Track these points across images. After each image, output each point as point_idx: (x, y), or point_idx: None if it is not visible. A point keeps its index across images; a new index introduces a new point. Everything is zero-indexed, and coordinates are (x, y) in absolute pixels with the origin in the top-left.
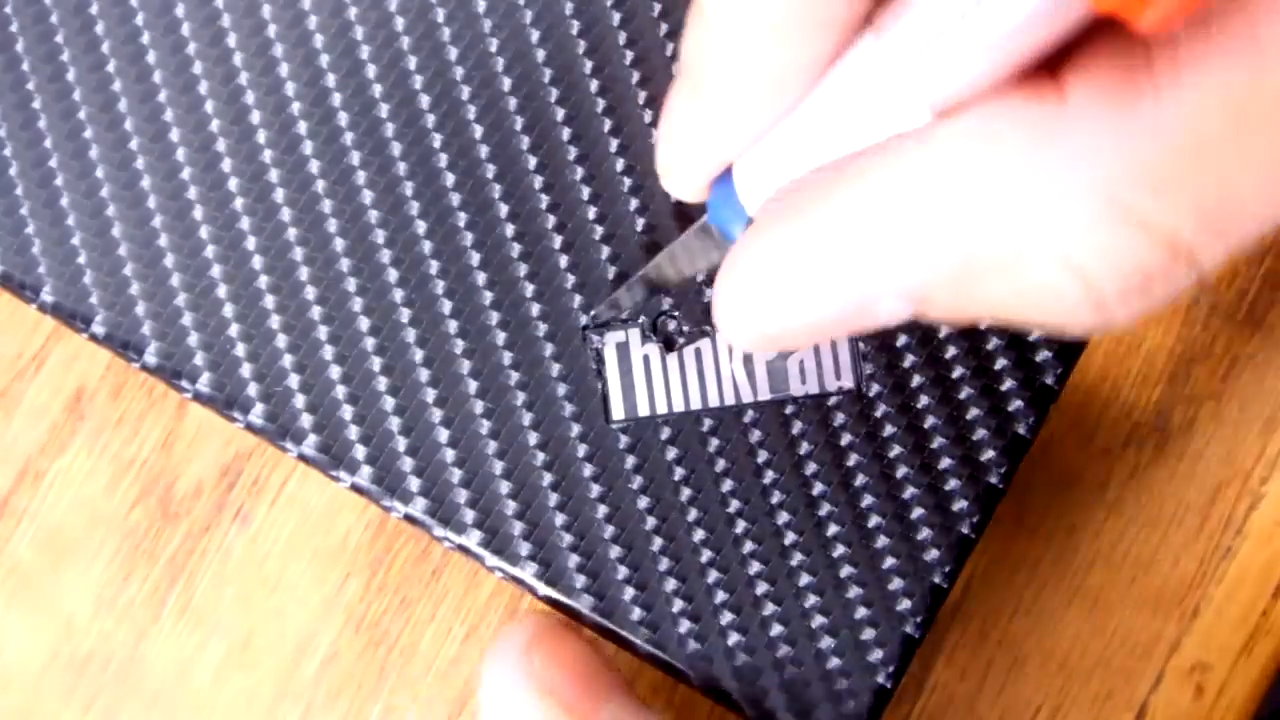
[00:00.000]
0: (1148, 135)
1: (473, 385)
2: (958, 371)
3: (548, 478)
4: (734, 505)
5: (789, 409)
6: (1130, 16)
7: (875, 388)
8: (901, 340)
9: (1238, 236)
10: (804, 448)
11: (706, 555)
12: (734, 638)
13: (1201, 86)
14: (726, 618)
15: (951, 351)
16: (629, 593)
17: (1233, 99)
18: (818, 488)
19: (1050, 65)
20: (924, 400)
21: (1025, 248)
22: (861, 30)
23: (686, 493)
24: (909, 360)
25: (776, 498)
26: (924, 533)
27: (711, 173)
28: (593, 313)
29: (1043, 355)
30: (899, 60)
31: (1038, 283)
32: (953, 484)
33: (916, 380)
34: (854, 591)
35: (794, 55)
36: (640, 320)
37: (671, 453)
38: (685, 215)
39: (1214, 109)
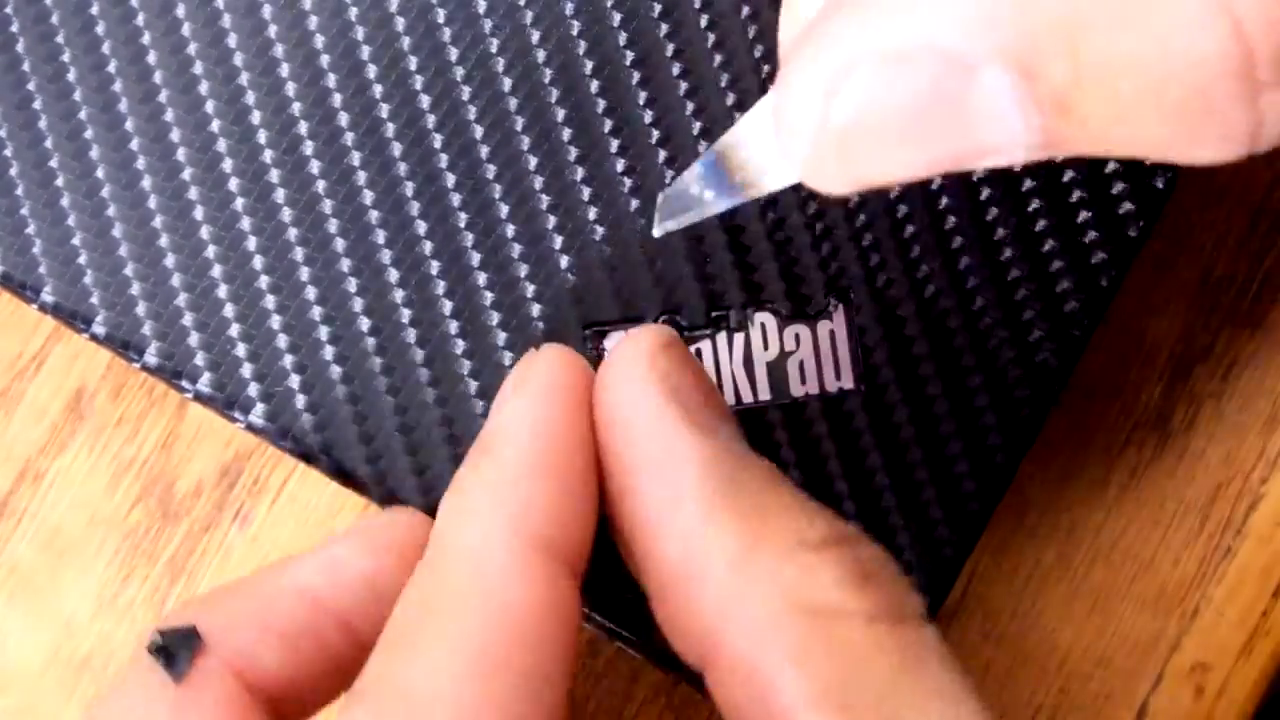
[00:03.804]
0: None
1: (473, 386)
2: (957, 371)
3: None
4: None
5: (789, 409)
6: None
7: (875, 387)
8: (900, 339)
9: None
10: (804, 446)
11: None
12: None
13: None
14: None
15: (952, 348)
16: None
17: None
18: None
19: None
20: (924, 400)
21: None
22: None
23: None
24: (910, 359)
25: None
26: (908, 553)
27: None
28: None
29: (1043, 356)
30: None
31: (1172, 28)
32: (957, 478)
33: (918, 379)
34: None
35: None
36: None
37: None
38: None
39: None
